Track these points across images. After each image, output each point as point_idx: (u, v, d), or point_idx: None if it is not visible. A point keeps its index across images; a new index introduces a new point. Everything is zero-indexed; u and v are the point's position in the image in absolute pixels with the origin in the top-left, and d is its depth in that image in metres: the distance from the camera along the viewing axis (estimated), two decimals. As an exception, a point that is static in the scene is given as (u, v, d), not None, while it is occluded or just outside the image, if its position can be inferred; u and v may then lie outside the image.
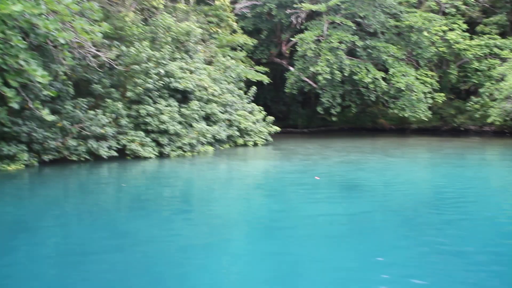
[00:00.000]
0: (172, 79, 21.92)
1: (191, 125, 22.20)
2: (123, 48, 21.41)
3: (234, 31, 34.75)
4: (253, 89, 29.62)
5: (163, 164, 19.05)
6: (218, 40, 31.41)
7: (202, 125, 22.03)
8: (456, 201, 11.48)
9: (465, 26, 38.62)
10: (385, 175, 15.78)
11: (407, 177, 15.39)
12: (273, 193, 12.98)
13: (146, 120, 20.70)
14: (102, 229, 9.15)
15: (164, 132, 20.99)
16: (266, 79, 32.98)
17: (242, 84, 29.67)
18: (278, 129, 28.71)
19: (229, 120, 25.71)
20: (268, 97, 44.27)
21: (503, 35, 39.84)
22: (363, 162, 19.35)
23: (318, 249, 7.88)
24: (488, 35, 38.59)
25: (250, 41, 35.60)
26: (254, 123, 27.39)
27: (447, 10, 39.37)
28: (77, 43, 17.94)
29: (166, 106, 21.54)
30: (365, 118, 45.29)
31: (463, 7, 38.97)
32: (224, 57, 29.33)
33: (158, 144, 21.14)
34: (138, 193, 13.20)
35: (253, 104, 28.78)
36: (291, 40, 35.48)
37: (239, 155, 22.16)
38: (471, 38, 38.63)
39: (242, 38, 32.99)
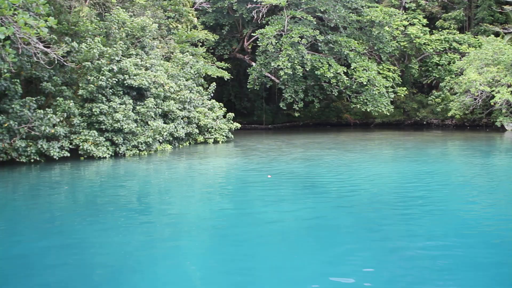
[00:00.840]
0: (126, 76, 21.23)
1: (147, 123, 21.57)
2: (74, 44, 20.59)
3: (195, 27, 34.18)
4: (213, 85, 29.16)
5: (118, 164, 18.40)
6: (177, 36, 30.79)
7: (159, 123, 21.42)
8: (410, 198, 11.30)
9: (425, 21, 39.08)
10: (341, 171, 15.55)
11: (364, 173, 15.19)
12: (225, 193, 12.60)
13: (100, 118, 19.98)
14: (47, 236, 8.60)
15: (119, 130, 20.32)
16: (227, 75, 32.55)
17: (202, 81, 29.18)
18: (238, 125, 28.30)
19: (187, 118, 25.17)
20: (232, 93, 43.93)
21: (461, 30, 40.47)
22: (321, 158, 19.12)
23: (268, 251, 7.54)
24: (447, 30, 39.13)
25: (212, 37, 35.10)
26: (214, 120, 26.93)
27: (407, 5, 39.74)
28: (22, 39, 17.19)
29: (120, 104, 20.85)
30: (329, 113, 45.37)
31: (423, 2, 39.37)
32: (183, 53, 28.73)
33: (113, 143, 20.46)
34: (87, 196, 12.60)
35: (213, 100, 28.31)
36: (253, 36, 35.09)
37: (197, 153, 21.65)
38: (431, 33, 39.09)
39: (202, 34, 32.43)
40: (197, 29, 33.53)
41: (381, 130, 36.91)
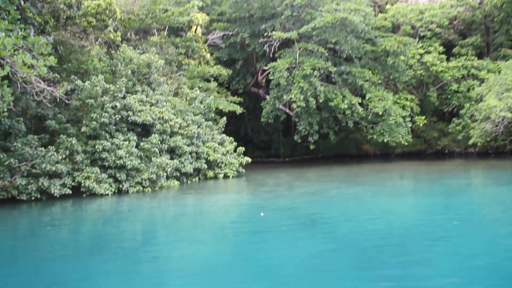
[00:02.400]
0: (130, 113, 21.13)
1: (151, 160, 21.27)
2: (79, 82, 20.68)
3: (207, 62, 34.25)
4: (223, 120, 28.91)
5: (119, 201, 18.06)
6: (188, 72, 30.82)
7: (162, 159, 21.08)
8: (418, 237, 10.47)
9: (441, 49, 38.32)
10: (347, 207, 14.72)
11: (369, 209, 14.32)
12: (220, 233, 11.91)
13: (103, 155, 19.82)
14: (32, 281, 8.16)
15: (122, 167, 20.08)
16: (239, 109, 32.30)
17: (213, 115, 28.93)
18: (249, 160, 27.74)
19: (196, 153, 24.81)
20: (249, 127, 43.63)
21: (480, 56, 39.52)
22: (328, 192, 18.39)
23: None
24: (465, 57, 38.25)
25: (225, 71, 35.06)
26: (224, 154, 26.48)
27: (422, 34, 39.11)
28: (22, 78, 17.31)
29: (124, 140, 20.67)
30: (349, 145, 44.47)
31: (438, 29, 38.74)
32: (192, 88, 28.65)
33: (116, 180, 20.19)
34: (78, 236, 12.20)
35: (223, 135, 27.95)
36: (265, 69, 34.94)
37: (203, 189, 21.19)
38: (448, 60, 38.27)
39: (213, 69, 32.41)
40: (209, 65, 33.54)
41: (400, 161, 35.84)
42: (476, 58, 38.62)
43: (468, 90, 36.64)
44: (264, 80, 37.77)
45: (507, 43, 38.07)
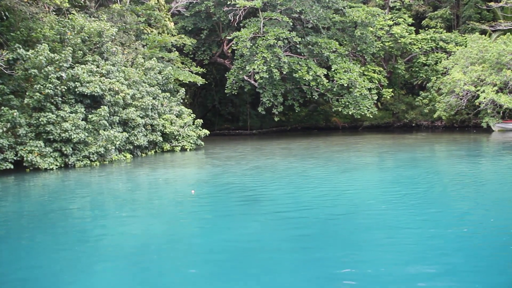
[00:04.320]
0: (78, 84, 20.24)
1: (99, 133, 20.52)
2: (21, 51, 19.64)
3: (170, 32, 33.20)
4: (182, 91, 28.18)
5: (62, 176, 17.36)
6: (147, 41, 29.81)
7: (110, 132, 20.33)
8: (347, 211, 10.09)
9: (410, 20, 37.87)
10: (290, 183, 14.23)
11: (311, 185, 13.89)
12: (152, 211, 11.28)
13: (47, 128, 18.99)
14: None
15: (68, 140, 19.31)
16: (200, 80, 31.50)
17: (171, 86, 28.11)
18: (207, 132, 27.15)
19: (151, 125, 24.13)
20: (217, 98, 42.94)
21: (449, 29, 39.17)
22: (279, 166, 17.93)
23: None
24: (433, 29, 37.85)
25: (189, 41, 34.10)
26: (182, 127, 25.84)
27: (392, 5, 38.52)
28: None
29: (70, 113, 19.85)
30: (318, 117, 44.29)
31: (409, 1, 38.16)
32: (151, 58, 27.73)
33: (62, 154, 19.46)
34: (16, 213, 11.53)
35: (181, 107, 27.21)
36: (231, 39, 34.07)
37: (154, 163, 20.57)
38: (417, 33, 37.84)
39: (174, 38, 31.42)
40: (170, 34, 32.50)
41: (366, 134, 35.68)
42: (445, 31, 38.29)
43: (436, 63, 36.42)
44: (230, 51, 36.94)
45: (476, 16, 37.74)
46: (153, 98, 24.77)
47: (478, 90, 29.90)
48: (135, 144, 22.77)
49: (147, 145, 23.82)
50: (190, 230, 9.28)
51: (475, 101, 30.24)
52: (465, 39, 35.85)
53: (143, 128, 23.36)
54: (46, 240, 8.76)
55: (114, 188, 14.84)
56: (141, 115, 23.25)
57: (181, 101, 28.19)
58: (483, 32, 35.96)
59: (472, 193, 11.89)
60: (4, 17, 22.65)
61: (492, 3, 35.04)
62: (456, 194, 11.79)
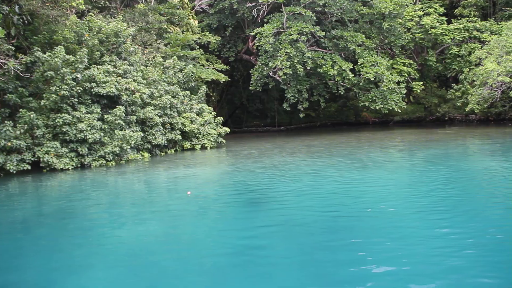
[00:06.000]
0: (94, 84, 20.30)
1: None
2: (39, 53, 19.84)
3: (193, 30, 33.08)
4: (203, 89, 27.94)
5: (75, 176, 17.42)
6: (170, 40, 29.76)
7: (126, 132, 20.29)
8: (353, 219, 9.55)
9: (442, 10, 36.40)
10: (306, 183, 13.71)
11: (325, 185, 13.30)
12: (159, 213, 10.96)
13: (63, 129, 19.11)
14: None
15: (83, 141, 19.39)
16: (222, 78, 31.21)
17: (193, 84, 27.96)
18: (228, 130, 26.80)
19: (170, 124, 24.02)
20: (244, 95, 42.61)
21: (484, 17, 37.46)
22: (296, 165, 17.43)
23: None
24: (467, 18, 36.27)
25: (213, 39, 33.92)
26: (202, 125, 25.63)
27: (422, -6, 37.17)
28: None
29: (86, 113, 19.92)
30: (348, 112, 43.38)
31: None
32: (171, 57, 27.62)
33: (79, 154, 19.55)
34: (27, 212, 11.57)
35: (202, 105, 26.97)
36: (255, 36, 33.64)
37: (172, 162, 20.39)
38: (450, 22, 36.37)
39: (196, 36, 31.25)
40: (193, 32, 32.35)
41: (396, 129, 34.61)
42: (480, 19, 36.62)
43: (470, 53, 34.88)
44: (255, 47, 36.52)
45: (512, 2, 35.92)
46: (173, 97, 24.64)
47: (513, 81, 28.41)
48: (153, 143, 22.70)
49: (166, 144, 23.71)
50: (192, 231, 8.99)
51: (510, 93, 28.76)
52: (501, 27, 34.14)
53: (161, 127, 23.25)
54: (58, 238, 8.62)
55: (120, 188, 14.73)
56: (159, 114, 23.15)
57: (203, 98, 27.96)
58: (521, 19, 34.20)
59: (495, 196, 11.07)
60: (26, 21, 22.96)
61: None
62: (481, 198, 10.99)
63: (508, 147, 20.36)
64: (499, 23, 35.49)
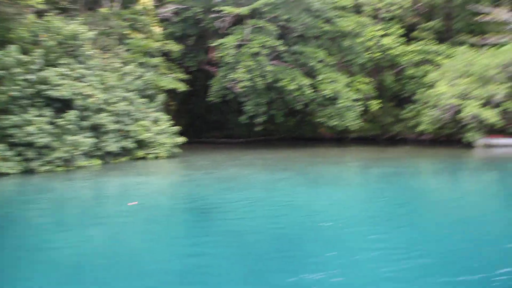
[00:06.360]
0: (47, 87, 19.88)
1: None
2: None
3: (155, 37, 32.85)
4: (161, 97, 27.79)
5: (21, 181, 16.97)
6: (131, 46, 29.47)
7: (77, 137, 19.94)
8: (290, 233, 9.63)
9: (401, 31, 37.37)
10: (251, 197, 13.77)
11: (276, 200, 13.36)
12: (102, 222, 10.80)
13: (11, 131, 18.61)
14: None
15: (31, 145, 18.91)
16: (181, 87, 31.10)
17: (151, 92, 27.71)
18: (184, 140, 26.65)
19: (124, 131, 23.71)
20: (204, 106, 42.38)
21: (440, 41, 38.68)
22: (247, 178, 17.49)
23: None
24: (424, 41, 37.41)
25: (175, 47, 33.77)
26: (157, 134, 25.40)
27: (383, 15, 38.09)
28: None
29: (37, 116, 19.46)
30: (306, 127, 43.71)
31: (399, 11, 37.70)
32: (131, 63, 27.34)
33: (26, 158, 19.05)
34: None
35: (159, 113, 26.74)
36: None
37: (122, 170, 20.15)
38: (408, 44, 37.39)
39: (158, 44, 31.07)
40: (154, 39, 32.11)
41: (350, 146, 35.22)
42: (436, 43, 37.82)
43: (425, 75, 35.84)
44: (217, 58, 36.56)
45: (466, 28, 37.25)
46: (129, 104, 24.39)
47: (462, 104, 29.42)
48: (106, 150, 22.36)
49: (119, 152, 23.37)
50: (134, 241, 8.92)
51: (459, 115, 29.74)
52: (455, 51, 35.34)
53: (115, 134, 22.93)
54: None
55: (65, 195, 14.45)
56: (114, 121, 22.85)
57: (160, 107, 27.75)
58: (473, 45, 35.49)
59: (431, 213, 11.43)
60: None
61: (481, 16, 34.66)
62: (421, 215, 11.32)
63: (454, 168, 21.06)
64: (453, 48, 36.73)
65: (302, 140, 41.77)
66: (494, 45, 33.04)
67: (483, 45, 34.16)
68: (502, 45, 32.01)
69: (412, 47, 36.62)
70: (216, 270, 7.12)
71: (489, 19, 34.71)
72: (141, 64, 28.79)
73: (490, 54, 30.81)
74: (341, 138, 41.18)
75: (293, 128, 44.05)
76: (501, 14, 34.60)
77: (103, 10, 30.09)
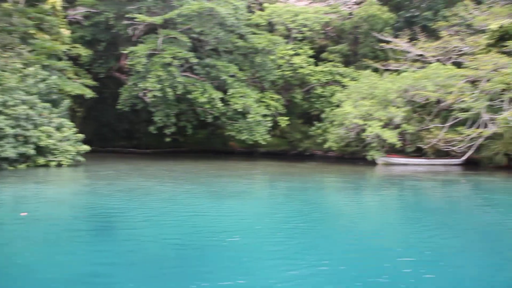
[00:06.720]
0: None
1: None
2: None
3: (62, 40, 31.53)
4: (66, 102, 26.68)
5: None
6: (35, 46, 28.04)
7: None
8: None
9: (311, 52, 38.85)
10: (156, 209, 13.53)
11: (178, 213, 13.19)
12: None
13: None
14: None
15: None
16: (89, 94, 30.04)
17: (55, 97, 26.49)
18: (88, 148, 25.68)
19: (24, 136, 22.41)
20: (113, 114, 41.16)
21: (346, 63, 40.71)
22: (147, 190, 17.12)
23: None
24: (332, 63, 39.18)
25: (84, 52, 32.61)
26: (60, 140, 24.27)
27: (294, 35, 39.38)
28: None
29: None
30: (216, 140, 43.89)
31: (310, 33, 39.18)
32: (34, 65, 26.00)
33: None
34: None
35: (62, 119, 25.58)
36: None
37: (18, 177, 18.98)
38: (317, 65, 38.92)
39: (65, 47, 29.84)
40: (61, 42, 30.82)
41: (259, 160, 35.85)
42: (342, 65, 39.74)
43: (332, 95, 37.45)
44: (128, 66, 35.77)
45: (370, 54, 39.55)
46: (30, 108, 23.12)
47: (365, 124, 31.05)
48: (2, 156, 20.98)
49: (16, 158, 22.01)
50: (23, 253, 8.35)
51: (363, 134, 31.34)
52: (359, 74, 37.34)
53: (13, 139, 21.60)
54: None
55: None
56: (12, 125, 21.53)
57: (65, 113, 26.57)
58: (376, 70, 37.71)
59: (328, 226, 11.88)
60: None
61: (383, 44, 37.01)
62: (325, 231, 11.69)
63: (357, 184, 22.06)
64: (358, 71, 38.81)
65: (212, 152, 41.86)
66: (395, 70, 35.38)
67: (385, 70, 36.45)
68: (402, 71, 34.38)
69: (321, 67, 38.24)
70: (113, 280, 6.93)
71: (390, 47, 37.26)
72: (45, 67, 27.47)
73: (391, 79, 32.87)
74: (251, 152, 41.77)
75: (204, 140, 44.09)
76: (400, 43, 37.27)
77: (5, 5, 28.41)
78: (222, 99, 31.98)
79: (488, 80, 29.09)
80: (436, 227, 12.20)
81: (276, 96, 36.97)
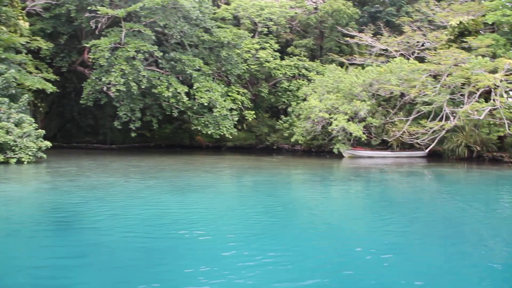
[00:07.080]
0: None
1: None
2: None
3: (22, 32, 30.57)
4: (25, 97, 25.90)
5: None
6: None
7: None
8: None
9: (276, 46, 38.87)
10: (118, 204, 13.26)
11: (141, 208, 12.94)
12: None
13: None
14: None
15: None
16: (50, 88, 29.20)
17: (14, 92, 25.71)
18: (49, 144, 24.99)
19: (-19, 133, 21.72)
20: (76, 109, 40.31)
21: (312, 58, 40.93)
22: (112, 186, 16.81)
23: None
24: (297, 57, 39.29)
25: (44, 45, 31.68)
26: (20, 137, 23.57)
27: (259, 29, 39.33)
28: None
29: None
30: (183, 135, 43.54)
31: (275, 27, 39.19)
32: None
33: None
34: None
35: (22, 115, 24.87)
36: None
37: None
38: (282, 59, 38.96)
39: (25, 40, 28.94)
40: (21, 35, 29.89)
41: (225, 154, 35.71)
42: (308, 59, 39.92)
43: (298, 89, 37.62)
44: (90, 59, 35.00)
45: (335, 48, 39.86)
46: (-14, 103, 22.38)
47: (331, 118, 31.28)
48: (-42, 153, 20.28)
49: (-26, 155, 21.33)
50: None
51: (329, 127, 31.56)
52: (325, 69, 37.59)
53: (-31, 135, 20.90)
54: None
55: None
56: (-32, 121, 20.81)
57: (25, 108, 25.82)
58: (342, 64, 38.04)
59: (291, 220, 11.86)
60: None
61: (348, 39, 37.35)
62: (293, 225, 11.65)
63: (322, 177, 22.20)
64: (323, 65, 39.06)
65: (179, 147, 41.52)
66: (360, 65, 35.75)
67: (350, 64, 36.79)
68: (366, 66, 34.76)
69: (287, 61, 38.31)
70: (73, 281, 6.72)
71: (355, 42, 37.62)
72: (3, 60, 26.63)
73: (356, 73, 33.20)
74: (218, 147, 41.62)
75: (170, 135, 43.68)
76: (365, 38, 37.67)
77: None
78: (187, 93, 31.72)
79: (449, 75, 29.66)
80: (398, 216, 12.39)
81: (242, 90, 36.89)
